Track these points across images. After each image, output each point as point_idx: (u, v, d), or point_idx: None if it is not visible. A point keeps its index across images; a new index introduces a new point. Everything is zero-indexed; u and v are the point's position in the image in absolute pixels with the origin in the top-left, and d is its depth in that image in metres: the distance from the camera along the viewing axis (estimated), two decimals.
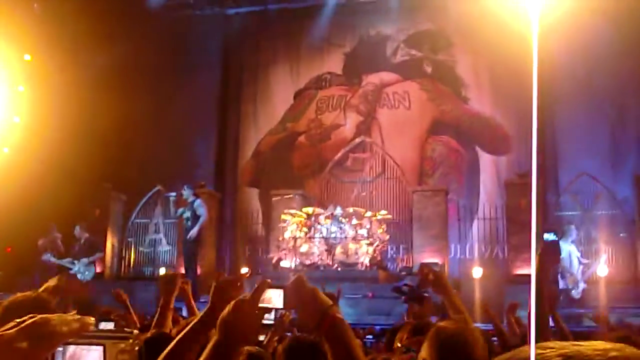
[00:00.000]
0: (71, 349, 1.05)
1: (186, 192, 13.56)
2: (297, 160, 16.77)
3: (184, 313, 10.37)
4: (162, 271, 15.28)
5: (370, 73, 16.72)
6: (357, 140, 16.30)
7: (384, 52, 16.72)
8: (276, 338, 4.84)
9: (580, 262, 11.89)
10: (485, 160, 15.66)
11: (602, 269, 12.04)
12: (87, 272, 13.40)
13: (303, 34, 16.95)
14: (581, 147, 14.66)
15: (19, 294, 2.45)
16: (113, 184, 15.70)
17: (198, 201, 13.54)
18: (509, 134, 15.50)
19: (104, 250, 14.41)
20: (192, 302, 5.35)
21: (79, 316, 1.04)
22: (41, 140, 13.88)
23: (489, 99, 15.89)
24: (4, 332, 1.01)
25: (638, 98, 14.42)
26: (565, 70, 14.79)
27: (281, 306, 1.82)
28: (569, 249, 11.89)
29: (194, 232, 13.36)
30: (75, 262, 13.46)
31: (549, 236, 12.20)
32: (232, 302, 1.77)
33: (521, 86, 15.37)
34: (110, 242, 15.65)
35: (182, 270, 14.36)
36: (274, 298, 1.81)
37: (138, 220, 16.37)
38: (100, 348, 1.05)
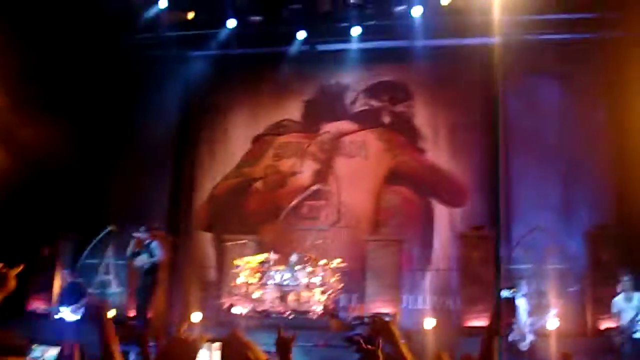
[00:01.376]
0: None
1: (142, 234, 13.43)
2: (252, 206, 16.70)
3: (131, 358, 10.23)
4: (112, 314, 15.03)
5: (329, 121, 16.81)
6: (314, 187, 16.31)
7: (343, 101, 16.85)
8: None
9: (528, 315, 11.94)
10: (440, 211, 15.75)
11: (552, 322, 12.11)
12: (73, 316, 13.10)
13: (263, 79, 17.04)
14: (534, 200, 14.86)
15: None
16: (64, 224, 15.47)
17: (154, 243, 13.41)
18: (465, 186, 15.65)
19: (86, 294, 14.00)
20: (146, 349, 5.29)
21: None
22: None
23: (446, 151, 16.04)
24: None
25: (588, 152, 14.72)
26: (518, 121, 15.10)
27: None
28: (517, 303, 11.96)
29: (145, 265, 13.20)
30: (63, 307, 13.23)
31: (506, 293, 12.30)
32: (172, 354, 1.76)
33: (477, 139, 15.69)
34: (57, 282, 15.36)
35: (132, 314, 14.19)
36: (209, 355, 1.82)
37: (88, 261, 16.12)
38: None
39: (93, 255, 16.10)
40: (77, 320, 12.95)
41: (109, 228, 15.79)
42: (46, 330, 12.56)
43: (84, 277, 15.84)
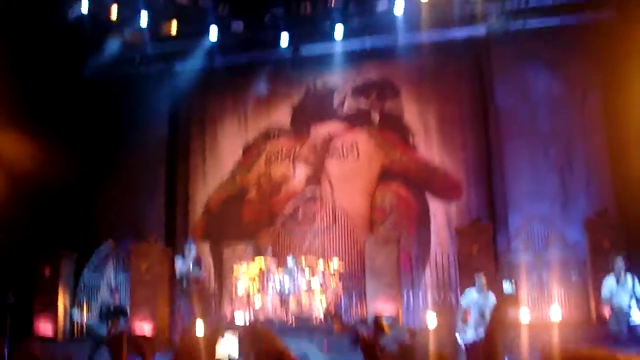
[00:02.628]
0: None
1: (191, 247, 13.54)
2: (247, 215, 16.71)
3: None
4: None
5: (318, 124, 16.79)
6: (307, 191, 16.32)
7: (331, 102, 16.84)
8: None
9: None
10: (436, 207, 15.75)
11: (555, 312, 12.07)
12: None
13: (250, 87, 17.04)
14: (530, 190, 14.84)
15: None
16: (62, 243, 15.50)
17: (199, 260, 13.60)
18: (459, 180, 15.65)
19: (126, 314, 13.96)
20: None
21: None
22: None
23: (438, 146, 16.01)
24: None
25: (584, 140, 14.68)
26: (510, 111, 15.10)
27: (236, 356, 1.88)
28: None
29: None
30: (102, 324, 13.22)
31: (507, 286, 12.30)
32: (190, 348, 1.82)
33: (469, 132, 15.70)
34: (61, 302, 15.40)
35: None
36: (228, 346, 1.87)
37: (89, 278, 16.14)
38: None
39: (94, 272, 16.13)
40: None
41: (108, 244, 15.85)
42: (54, 350, 12.62)
43: (85, 295, 15.90)
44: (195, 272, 13.45)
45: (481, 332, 10.78)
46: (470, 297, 11.46)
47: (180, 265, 13.57)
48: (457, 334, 11.37)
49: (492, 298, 11.24)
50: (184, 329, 13.05)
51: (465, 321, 11.37)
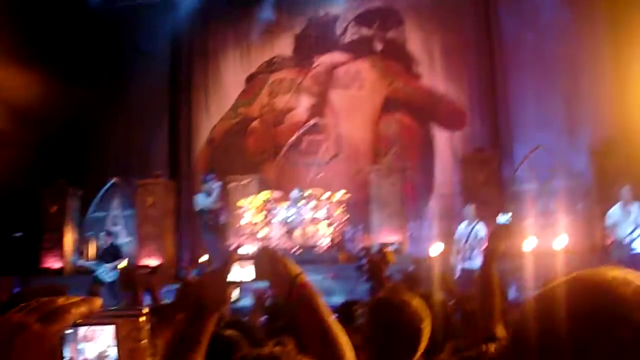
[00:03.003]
0: (82, 330, 1.02)
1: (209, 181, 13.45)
2: (251, 146, 16.68)
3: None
4: (123, 264, 15.20)
5: (321, 54, 16.62)
6: (311, 122, 16.21)
7: (334, 32, 16.64)
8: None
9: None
10: (440, 136, 15.66)
11: (560, 240, 12.10)
12: (109, 275, 13.15)
13: (251, 18, 16.80)
14: (536, 119, 14.72)
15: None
16: (68, 180, 15.57)
17: (217, 186, 13.43)
18: (463, 108, 15.54)
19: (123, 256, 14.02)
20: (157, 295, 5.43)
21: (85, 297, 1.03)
22: None
23: (442, 75, 15.86)
24: (13, 314, 1.00)
25: (591, 68, 14.47)
26: (515, 39, 14.89)
27: (250, 279, 1.87)
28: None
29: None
30: (100, 265, 13.32)
31: (502, 217, 12.25)
32: (202, 276, 1.83)
33: (473, 60, 15.52)
34: (69, 237, 15.54)
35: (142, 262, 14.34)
36: (242, 272, 1.85)
37: (96, 214, 16.26)
38: (112, 327, 1.01)
39: (99, 209, 16.25)
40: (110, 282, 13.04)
41: (113, 180, 15.92)
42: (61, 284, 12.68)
43: (92, 231, 16.03)
44: (217, 206, 13.35)
45: (474, 262, 10.84)
46: (461, 227, 11.52)
47: (202, 199, 13.40)
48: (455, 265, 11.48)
49: (481, 228, 11.28)
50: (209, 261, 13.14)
51: (458, 252, 11.46)
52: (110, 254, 13.55)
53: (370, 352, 2.57)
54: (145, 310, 1.07)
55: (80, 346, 1.06)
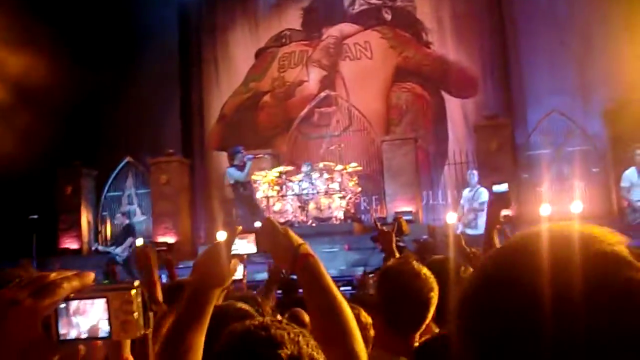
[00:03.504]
0: (74, 303, 1.03)
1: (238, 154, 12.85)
2: (263, 120, 16.65)
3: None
4: (140, 242, 15.28)
5: (330, 26, 16.54)
6: (322, 94, 16.18)
7: (342, 3, 16.53)
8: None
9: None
10: (452, 104, 15.59)
11: (576, 205, 12.05)
12: (124, 255, 13.25)
13: None
14: (549, 83, 14.61)
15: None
16: (82, 160, 15.64)
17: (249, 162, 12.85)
18: (474, 76, 15.44)
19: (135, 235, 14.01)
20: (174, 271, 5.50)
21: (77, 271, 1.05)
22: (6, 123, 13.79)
23: (452, 42, 15.77)
24: (5, 290, 1.00)
25: (604, 28, 14.27)
26: (526, 3, 14.73)
27: (254, 251, 1.88)
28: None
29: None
30: (114, 247, 13.45)
31: (499, 187, 12.22)
32: (206, 248, 1.82)
33: (483, 25, 15.38)
34: (85, 218, 15.64)
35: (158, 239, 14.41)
36: (245, 245, 1.86)
37: (110, 194, 16.36)
38: (103, 300, 1.02)
39: (114, 188, 16.34)
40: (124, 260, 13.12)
41: (126, 159, 15.99)
42: (79, 266, 12.79)
43: (108, 210, 16.14)
44: (247, 178, 13.09)
45: (478, 229, 10.79)
46: (464, 194, 11.48)
47: (233, 172, 12.95)
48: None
49: (483, 194, 11.23)
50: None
51: (459, 218, 11.42)
52: (125, 234, 13.64)
53: (379, 320, 2.58)
54: (137, 283, 1.07)
55: (72, 320, 1.06)
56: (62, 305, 1.05)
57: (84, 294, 1.06)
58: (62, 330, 1.05)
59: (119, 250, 13.26)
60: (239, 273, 1.92)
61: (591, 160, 13.67)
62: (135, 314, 1.05)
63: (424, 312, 2.48)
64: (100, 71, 15.35)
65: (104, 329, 1.05)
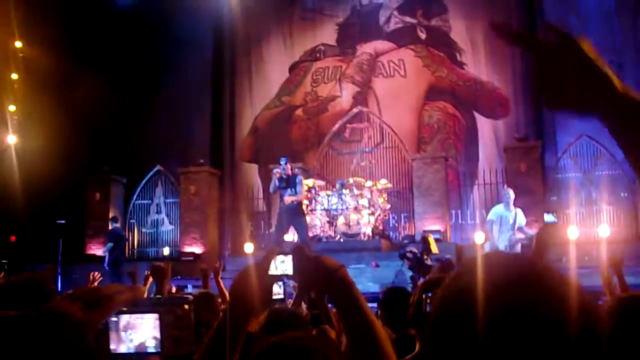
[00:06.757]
0: (125, 317, 1.04)
1: (281, 168, 12.27)
2: (294, 134, 16.70)
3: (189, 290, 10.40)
4: (166, 251, 15.35)
5: (364, 42, 16.61)
6: (354, 110, 16.22)
7: (377, 20, 16.59)
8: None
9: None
10: (483, 124, 15.58)
11: (604, 229, 11.95)
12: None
13: (295, 6, 16.85)
14: None
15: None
16: (112, 167, 15.72)
17: (298, 178, 12.19)
18: (506, 97, 15.42)
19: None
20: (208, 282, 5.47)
21: (129, 285, 1.05)
22: (38, 129, 13.95)
23: (485, 63, 15.77)
24: (58, 303, 1.02)
25: (635, 56, 14.26)
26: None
27: (291, 273, 1.85)
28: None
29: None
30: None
31: (548, 217, 12.18)
32: (242, 270, 1.78)
33: (517, 48, 15.33)
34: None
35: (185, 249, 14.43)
36: (283, 266, 1.83)
37: (139, 202, 16.41)
38: (156, 315, 1.03)
39: (143, 196, 16.39)
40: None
41: (156, 168, 16.04)
42: (103, 273, 12.80)
43: (135, 218, 16.19)
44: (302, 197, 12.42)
45: (514, 249, 10.66)
46: (497, 211, 11.28)
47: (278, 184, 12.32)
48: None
49: (520, 214, 11.07)
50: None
51: (486, 237, 11.23)
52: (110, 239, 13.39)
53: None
54: (190, 297, 1.08)
55: (122, 334, 1.07)
56: (114, 319, 1.06)
57: (135, 308, 1.07)
58: (112, 345, 1.06)
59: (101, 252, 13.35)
60: (278, 293, 1.86)
61: (619, 184, 13.59)
62: (188, 330, 1.06)
63: None
64: (134, 80, 15.49)
65: (155, 344, 1.06)
